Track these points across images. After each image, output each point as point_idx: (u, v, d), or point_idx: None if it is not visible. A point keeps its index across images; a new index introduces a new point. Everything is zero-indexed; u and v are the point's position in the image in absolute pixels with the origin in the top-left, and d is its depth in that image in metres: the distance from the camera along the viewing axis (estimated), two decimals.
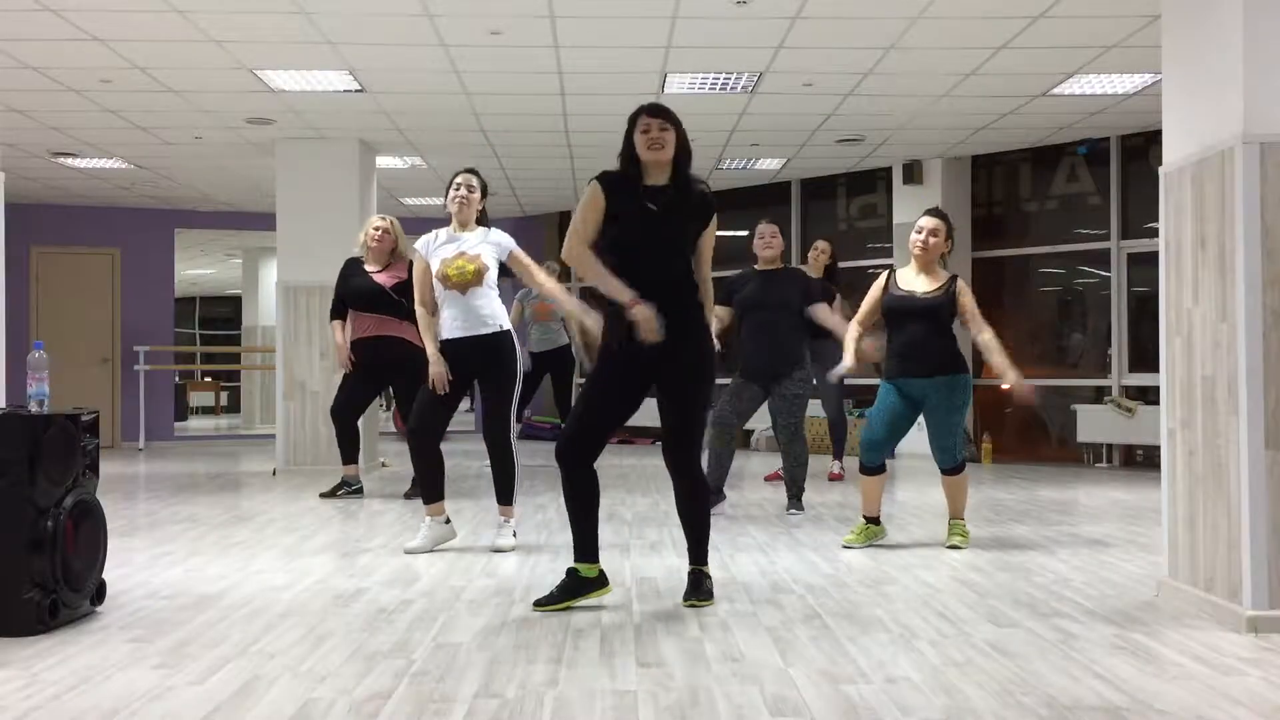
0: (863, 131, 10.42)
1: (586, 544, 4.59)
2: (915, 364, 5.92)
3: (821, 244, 9.22)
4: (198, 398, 21.88)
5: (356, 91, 8.94)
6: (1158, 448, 4.89)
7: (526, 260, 5.95)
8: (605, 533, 6.52)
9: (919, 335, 5.90)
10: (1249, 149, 4.12)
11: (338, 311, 8.06)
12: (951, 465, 6.03)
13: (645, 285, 4.43)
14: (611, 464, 10.96)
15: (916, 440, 11.55)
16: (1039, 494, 8.54)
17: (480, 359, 5.87)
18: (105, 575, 4.58)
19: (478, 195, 5.99)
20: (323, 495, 8.20)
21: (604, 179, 4.53)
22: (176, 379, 17.97)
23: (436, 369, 5.81)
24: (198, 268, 20.40)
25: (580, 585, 4.57)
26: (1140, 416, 10.13)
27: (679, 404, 4.57)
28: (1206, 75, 4.42)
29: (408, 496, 8.08)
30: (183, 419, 19.00)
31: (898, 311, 5.97)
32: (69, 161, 11.52)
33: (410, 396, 7.91)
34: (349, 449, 8.20)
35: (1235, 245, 4.15)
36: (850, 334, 6.21)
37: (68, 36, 7.43)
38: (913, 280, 5.99)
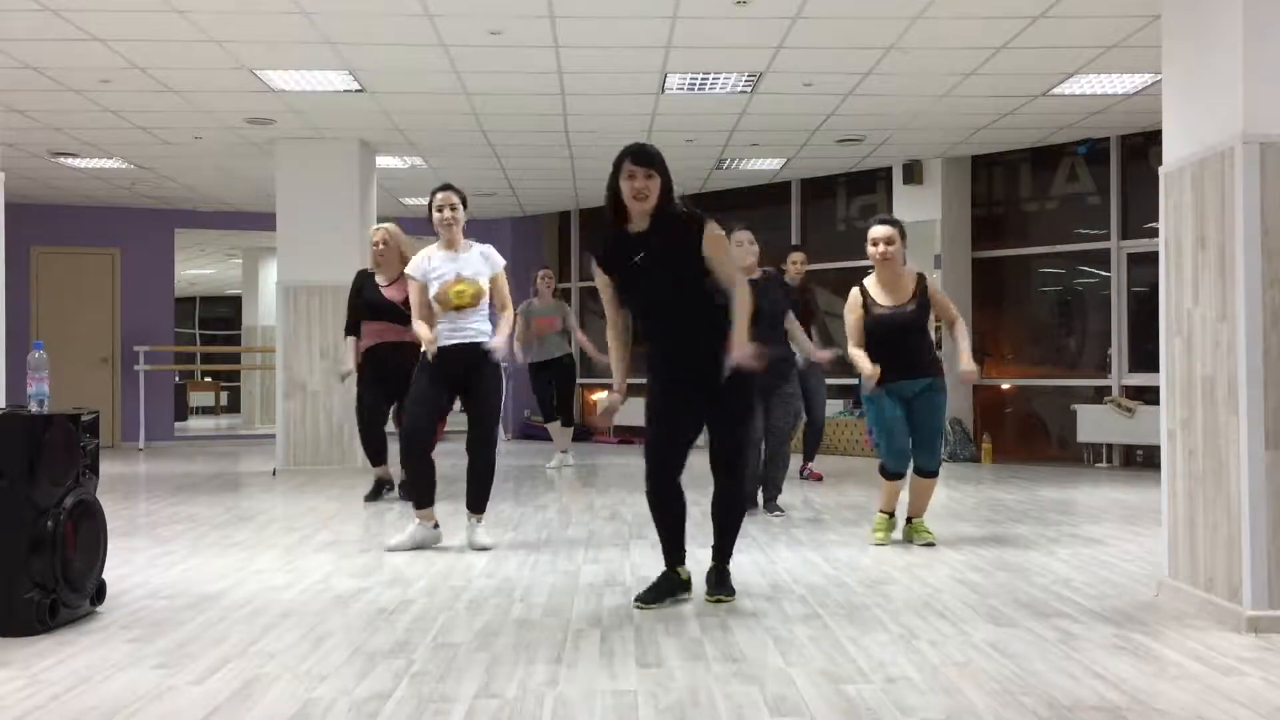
0: (863, 131, 10.42)
1: (672, 549, 4.78)
2: (905, 369, 5.97)
3: (798, 255, 9.15)
4: (198, 398, 21.88)
5: (356, 91, 8.94)
6: (1158, 448, 4.89)
7: (503, 284, 6.01)
8: (606, 532, 6.56)
9: (906, 345, 5.96)
10: (1249, 149, 4.12)
11: (353, 328, 7.90)
12: (933, 468, 6.10)
13: (665, 333, 4.64)
14: (612, 463, 10.97)
15: None
16: (1039, 494, 8.54)
17: (465, 366, 5.92)
18: (105, 575, 4.58)
19: (461, 213, 6.03)
20: (367, 499, 8.06)
21: (596, 253, 4.75)
22: (176, 379, 17.97)
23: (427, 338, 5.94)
24: (198, 268, 20.40)
25: (676, 585, 4.75)
26: (1140, 416, 10.13)
27: (718, 425, 4.69)
28: (1206, 75, 4.42)
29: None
30: (183, 419, 19.01)
31: (885, 329, 5.99)
32: (69, 161, 11.51)
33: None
34: (378, 452, 8.05)
35: (1235, 245, 4.15)
36: (860, 360, 6.09)
37: (68, 36, 7.43)
38: (885, 292, 6.01)
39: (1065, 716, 3.18)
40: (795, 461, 8.96)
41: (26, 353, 4.65)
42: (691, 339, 4.60)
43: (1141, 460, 10.65)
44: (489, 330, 5.98)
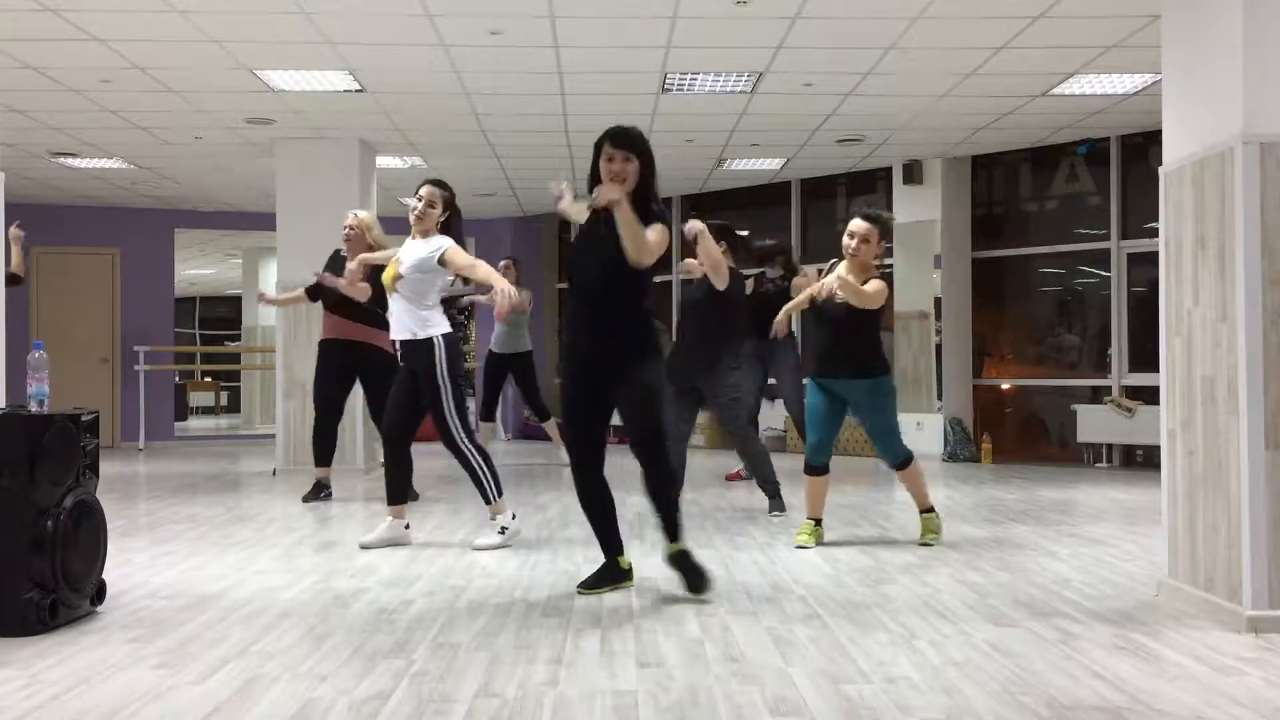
0: (863, 131, 10.42)
1: (608, 541, 4.93)
2: (831, 366, 5.94)
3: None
4: (198, 398, 21.87)
5: (356, 91, 8.94)
6: (1158, 448, 4.89)
7: (461, 260, 5.90)
8: None
9: (834, 338, 5.88)
10: (1249, 149, 4.13)
11: (313, 291, 7.85)
12: (897, 461, 6.06)
13: (585, 310, 4.71)
14: (612, 463, 10.94)
15: (914, 439, 11.60)
16: (1039, 494, 8.54)
17: (408, 363, 5.98)
18: (105, 575, 4.58)
19: (436, 210, 6.01)
20: (305, 499, 8.05)
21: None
22: (176, 379, 17.96)
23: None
24: (198, 268, 20.40)
25: (617, 574, 4.93)
26: (1140, 416, 10.13)
27: (629, 414, 4.75)
28: (1206, 75, 4.42)
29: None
30: (183, 419, 19.00)
31: (818, 311, 5.99)
32: (69, 161, 11.52)
33: (378, 400, 7.71)
34: (326, 452, 8.05)
35: (1235, 245, 4.15)
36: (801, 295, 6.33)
37: (68, 36, 7.43)
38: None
39: (1065, 716, 3.18)
40: (792, 463, 8.99)
41: (26, 353, 4.65)
42: (608, 326, 4.63)
43: (1141, 460, 10.65)
44: (421, 325, 5.91)
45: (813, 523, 6.11)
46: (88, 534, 4.40)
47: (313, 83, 8.71)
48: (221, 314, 24.92)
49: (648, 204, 4.66)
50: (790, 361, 8.95)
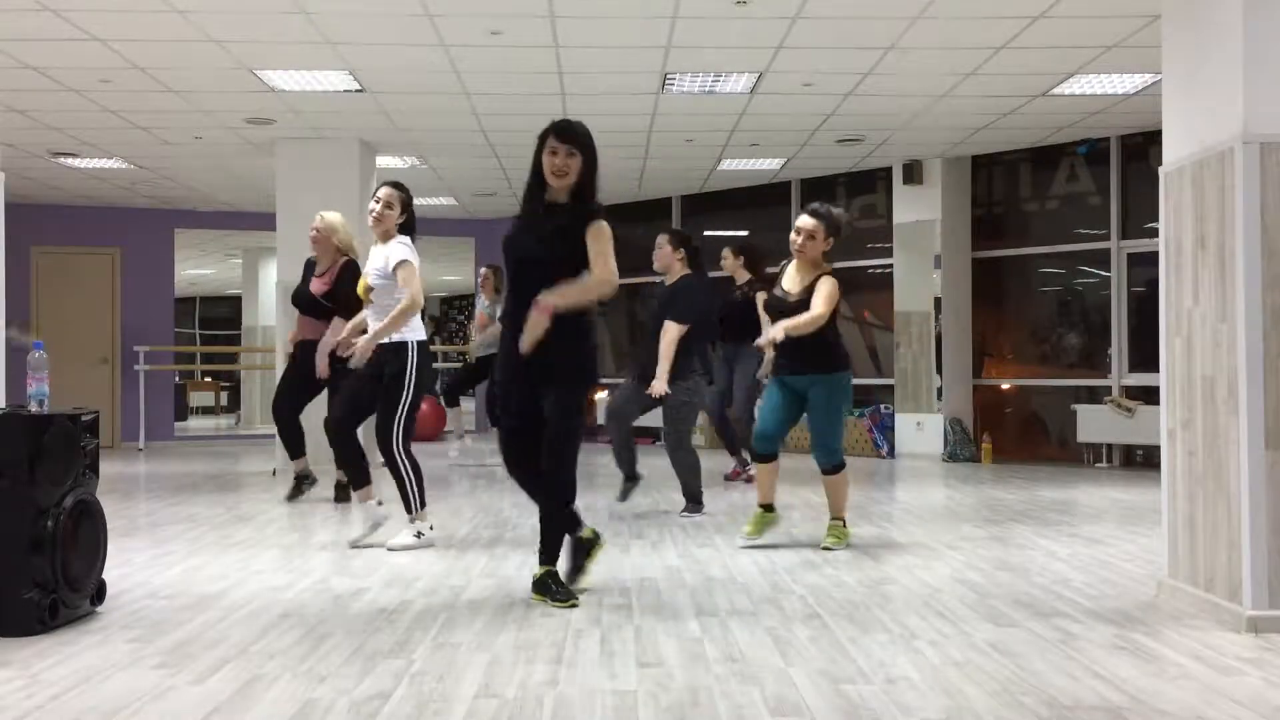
0: (863, 131, 10.42)
1: (567, 528, 4.81)
2: (791, 362, 5.93)
3: (725, 250, 9.25)
4: (198, 398, 21.87)
5: (356, 91, 8.94)
6: (1158, 448, 4.89)
7: (400, 277, 5.85)
8: (606, 533, 6.53)
9: (796, 339, 5.80)
10: (1249, 149, 4.13)
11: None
12: (830, 465, 5.98)
13: (526, 294, 4.51)
14: (611, 463, 10.95)
15: (914, 439, 11.62)
16: (1039, 494, 8.54)
17: (374, 368, 5.98)
18: (105, 575, 4.58)
19: (394, 212, 5.99)
20: (288, 499, 8.05)
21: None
22: (176, 379, 17.96)
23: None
24: (198, 268, 20.40)
25: (585, 548, 4.82)
26: (1140, 416, 10.13)
27: (549, 417, 4.60)
28: (1206, 75, 4.42)
29: (338, 500, 7.98)
30: (183, 419, 19.00)
31: (772, 313, 6.03)
32: (69, 161, 11.51)
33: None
34: (295, 444, 8.04)
35: (1235, 245, 4.16)
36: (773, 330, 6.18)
37: (68, 36, 7.43)
38: (791, 279, 6.01)
39: (1065, 716, 3.18)
40: (794, 463, 8.99)
41: (26, 353, 4.65)
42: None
43: (1141, 460, 10.65)
44: (399, 330, 5.92)
45: (760, 509, 6.08)
46: (88, 534, 4.40)
47: (313, 83, 8.71)
48: (221, 314, 24.91)
49: (592, 185, 4.60)
50: (751, 370, 8.91)
